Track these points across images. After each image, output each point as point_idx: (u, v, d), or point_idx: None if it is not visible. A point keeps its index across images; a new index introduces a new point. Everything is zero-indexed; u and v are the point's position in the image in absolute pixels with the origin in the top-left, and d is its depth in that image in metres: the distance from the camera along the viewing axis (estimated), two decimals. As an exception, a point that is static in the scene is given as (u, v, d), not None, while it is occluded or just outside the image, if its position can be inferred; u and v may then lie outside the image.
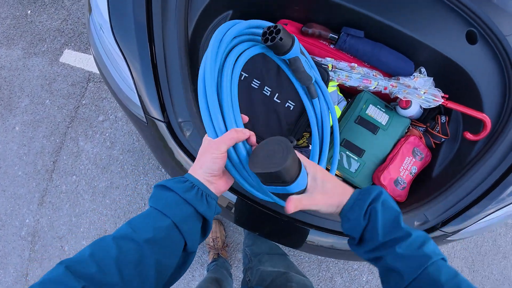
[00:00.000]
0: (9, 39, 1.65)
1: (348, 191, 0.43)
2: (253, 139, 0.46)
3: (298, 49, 0.56)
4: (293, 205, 0.40)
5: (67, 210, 1.49)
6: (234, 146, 0.45)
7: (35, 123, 1.55)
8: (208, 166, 0.41)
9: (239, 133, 0.43)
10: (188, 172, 0.43)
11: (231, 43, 0.53)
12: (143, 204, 1.51)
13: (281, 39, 0.51)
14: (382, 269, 0.39)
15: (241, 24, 0.54)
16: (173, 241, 0.37)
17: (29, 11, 1.68)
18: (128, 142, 1.54)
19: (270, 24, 0.56)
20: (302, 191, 0.42)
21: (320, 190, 0.41)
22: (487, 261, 1.62)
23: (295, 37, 0.55)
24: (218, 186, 0.44)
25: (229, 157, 0.45)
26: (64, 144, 1.54)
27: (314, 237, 0.77)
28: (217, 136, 0.44)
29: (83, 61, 1.61)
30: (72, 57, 1.61)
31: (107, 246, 0.33)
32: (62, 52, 1.62)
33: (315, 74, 0.69)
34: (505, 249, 1.64)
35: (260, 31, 0.58)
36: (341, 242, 0.78)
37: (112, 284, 0.30)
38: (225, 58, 0.51)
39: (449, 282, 0.32)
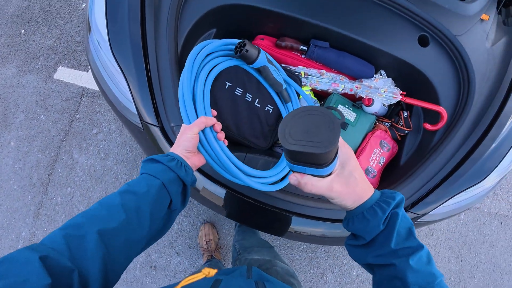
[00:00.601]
0: (3, 58, 1.71)
1: (370, 189, 0.40)
2: (218, 127, 0.59)
3: (264, 59, 0.70)
4: (308, 188, 0.39)
5: (63, 222, 1.52)
6: (203, 130, 0.57)
7: (30, 138, 1.60)
8: (185, 144, 0.53)
9: (207, 119, 0.56)
10: (169, 150, 0.54)
11: (207, 58, 0.68)
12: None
13: (246, 51, 0.66)
14: (386, 275, 0.39)
15: (215, 43, 0.69)
16: (162, 197, 0.46)
17: (22, 31, 1.75)
18: (122, 153, 1.61)
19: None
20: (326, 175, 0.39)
21: (344, 180, 0.38)
22: (474, 250, 1.65)
23: (262, 50, 0.69)
24: (193, 161, 0.55)
25: (200, 140, 0.57)
26: (58, 157, 1.59)
27: (305, 227, 0.85)
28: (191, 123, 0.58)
29: (77, 77, 1.69)
30: (66, 74, 1.69)
31: (113, 197, 0.42)
32: (56, 69, 1.69)
33: (288, 81, 0.80)
34: (492, 238, 1.67)
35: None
36: (331, 231, 0.85)
37: (120, 220, 0.39)
38: (202, 68, 0.67)
39: None
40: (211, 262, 1.40)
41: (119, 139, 1.62)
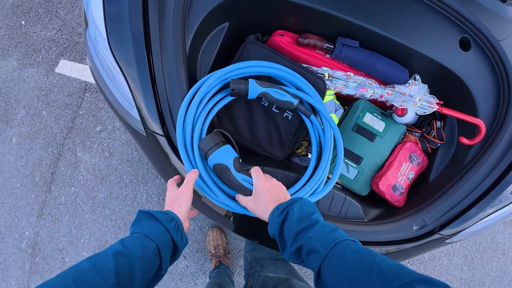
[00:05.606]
0: (4, 50, 1.64)
1: (277, 202, 0.52)
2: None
3: (256, 89, 0.66)
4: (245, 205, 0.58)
5: (67, 222, 1.49)
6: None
7: (32, 135, 1.55)
8: (187, 203, 0.55)
9: (195, 173, 0.59)
10: (166, 208, 0.55)
11: (202, 100, 0.67)
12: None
13: (233, 90, 0.65)
14: (304, 256, 0.45)
15: (209, 81, 0.66)
16: (154, 261, 0.45)
17: (23, 22, 1.67)
18: (127, 152, 1.54)
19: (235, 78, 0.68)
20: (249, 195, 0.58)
21: (253, 199, 0.56)
22: (486, 258, 1.63)
23: (251, 81, 0.65)
24: (186, 225, 0.56)
25: (199, 186, 0.64)
26: (62, 155, 1.53)
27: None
28: (192, 168, 0.63)
29: (79, 71, 1.61)
30: (68, 67, 1.61)
31: (106, 258, 0.41)
32: (58, 62, 1.62)
33: (301, 96, 0.71)
34: (504, 246, 1.65)
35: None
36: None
37: (109, 286, 0.38)
38: (200, 111, 0.67)
39: (354, 253, 0.40)
40: (219, 269, 1.34)
41: (123, 137, 1.55)
